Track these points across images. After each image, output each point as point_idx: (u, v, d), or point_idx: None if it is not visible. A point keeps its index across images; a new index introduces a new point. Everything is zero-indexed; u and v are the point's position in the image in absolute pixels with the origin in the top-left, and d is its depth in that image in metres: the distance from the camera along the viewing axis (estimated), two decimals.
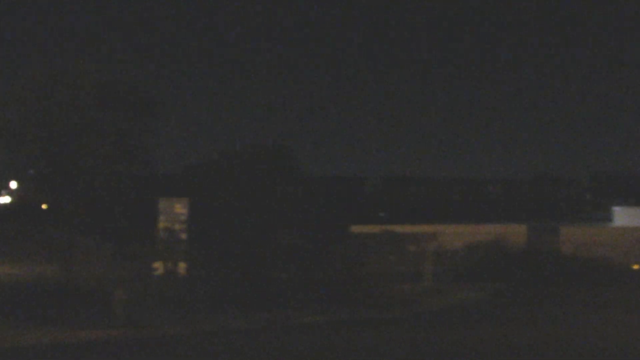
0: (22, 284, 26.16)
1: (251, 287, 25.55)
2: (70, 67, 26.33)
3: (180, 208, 29.12)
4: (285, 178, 28.22)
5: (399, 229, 39.90)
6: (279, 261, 26.62)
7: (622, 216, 53.68)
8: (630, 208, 58.97)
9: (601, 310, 26.36)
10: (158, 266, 28.49)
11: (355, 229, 36.58)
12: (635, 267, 37.60)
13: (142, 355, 17.79)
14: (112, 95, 26.34)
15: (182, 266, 28.22)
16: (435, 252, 36.05)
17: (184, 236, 29.23)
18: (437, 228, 41.38)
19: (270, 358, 17.80)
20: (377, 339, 20.34)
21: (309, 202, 28.26)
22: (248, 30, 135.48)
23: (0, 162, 28.01)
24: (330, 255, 27.85)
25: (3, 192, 70.09)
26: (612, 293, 30.98)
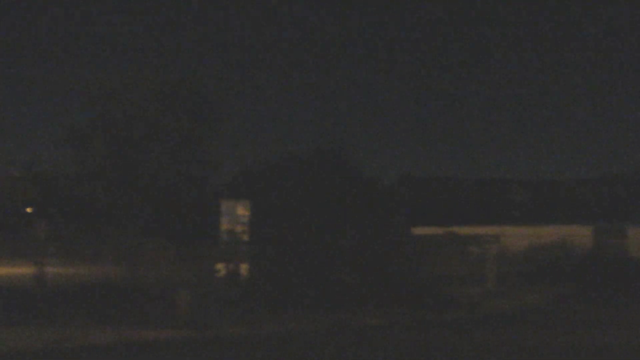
0: (89, 284, 26.72)
1: (313, 289, 25.63)
2: (135, 72, 26.88)
3: (242, 210, 29.40)
4: (346, 180, 28.22)
5: (460, 230, 39.56)
6: (341, 263, 26.64)
7: None
8: None
9: None
10: (220, 268, 28.82)
11: (417, 230, 36.39)
12: None
13: (205, 356, 18.00)
14: (176, 100, 26.77)
15: (244, 268, 28.49)
16: (498, 254, 35.62)
17: (245, 238, 29.50)
18: (500, 229, 40.91)
19: None
20: (442, 342, 20.18)
21: (370, 203, 28.20)
22: (307, 33, 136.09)
23: (67, 166, 28.69)
24: (391, 257, 27.74)
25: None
26: None
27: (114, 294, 25.03)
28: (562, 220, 56.05)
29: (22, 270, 33.34)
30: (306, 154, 29.15)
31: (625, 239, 39.42)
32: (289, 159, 29.04)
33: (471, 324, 23.85)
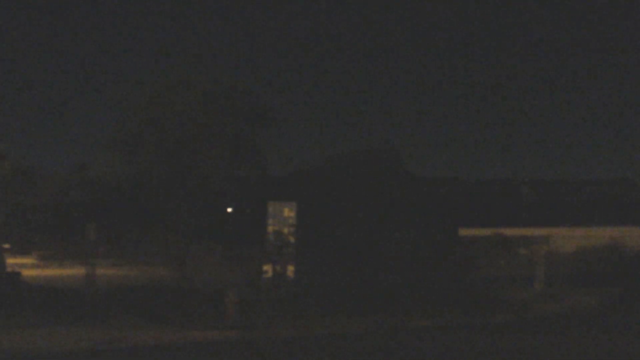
0: (139, 286, 27.05)
1: (360, 291, 25.58)
2: (185, 75, 27.12)
3: (288, 211, 29.49)
4: (394, 181, 28.11)
5: (509, 231, 39.14)
6: (388, 265, 26.55)
7: None
8: None
9: None
10: (267, 269, 28.94)
11: (465, 232, 36.09)
12: None
13: (253, 358, 18.07)
14: (225, 102, 26.94)
15: (290, 269, 28.56)
16: (547, 255, 35.15)
17: (292, 239, 29.56)
18: (549, 231, 40.37)
19: None
20: (491, 345, 19.97)
21: (417, 205, 28.05)
22: (354, 34, 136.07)
23: (118, 168, 29.06)
24: (439, 258, 27.56)
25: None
26: None
27: (163, 295, 25.31)
28: (612, 221, 55.01)
29: (72, 271, 33.93)
30: (353, 155, 29.11)
31: None
32: (336, 160, 29.03)
33: (520, 326, 23.55)
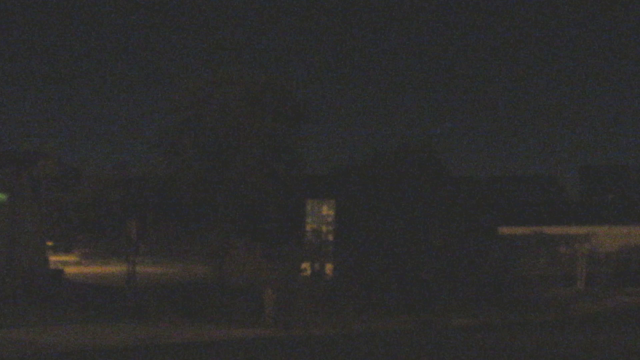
0: (179, 283, 27.29)
1: (398, 289, 25.51)
2: (223, 74, 27.27)
3: (327, 210, 29.51)
4: (432, 179, 27.96)
5: (549, 230, 38.65)
6: (426, 263, 26.43)
7: None
8: None
9: None
10: (306, 267, 28.99)
11: (505, 230, 35.74)
12: None
13: (291, 355, 18.14)
14: (263, 100, 27.05)
15: (329, 267, 28.58)
16: (589, 254, 34.68)
17: (330, 237, 29.57)
18: (590, 229, 39.76)
19: None
20: (530, 343, 19.78)
21: (456, 203, 27.87)
22: (390, 32, 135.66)
23: (158, 168, 29.33)
24: (478, 257, 27.36)
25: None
26: None
27: (203, 292, 25.51)
28: None
29: (114, 269, 34.37)
30: (391, 153, 29.00)
31: None
32: (375, 158, 28.96)
33: (560, 325, 23.30)
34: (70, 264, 36.89)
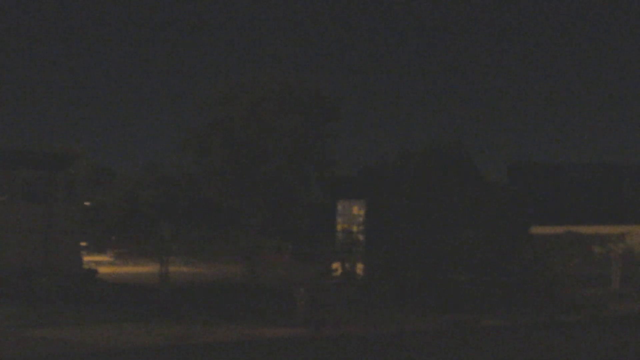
0: (210, 283, 27.52)
1: (429, 289, 25.44)
2: (252, 76, 27.48)
3: (357, 209, 29.53)
4: (463, 179, 27.85)
5: (583, 229, 38.26)
6: (457, 263, 26.32)
7: None
8: None
9: None
10: (337, 267, 29.04)
11: (536, 229, 35.46)
12: None
13: (323, 355, 18.16)
14: (293, 101, 27.19)
15: (359, 267, 28.60)
16: (624, 254, 34.27)
17: (361, 237, 29.60)
18: (626, 229, 39.28)
19: None
20: (563, 344, 19.60)
21: (487, 202, 27.72)
22: (419, 32, 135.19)
23: (188, 168, 29.61)
24: (510, 257, 27.18)
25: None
26: None
27: (234, 292, 25.67)
28: None
29: (146, 269, 34.73)
30: (421, 152, 28.96)
31: None
32: (405, 158, 28.94)
33: (595, 326, 23.04)
34: (103, 264, 37.34)
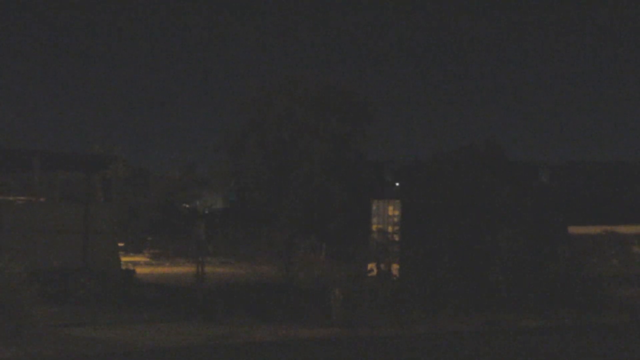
0: (246, 283, 27.56)
1: (466, 289, 25.25)
2: (286, 76, 27.53)
3: (392, 210, 29.43)
4: (499, 177, 27.61)
5: (622, 229, 37.68)
6: (494, 263, 26.10)
7: None
8: None
9: None
10: (372, 267, 28.94)
11: (575, 229, 34.98)
12: None
13: (359, 355, 18.14)
14: (328, 102, 27.19)
15: (395, 267, 28.47)
16: None
17: (396, 238, 29.48)
18: None
19: None
20: (603, 346, 19.33)
21: (525, 202, 27.44)
22: (454, 32, 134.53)
23: (224, 169, 29.77)
24: (547, 257, 26.87)
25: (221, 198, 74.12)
26: None
27: (270, 292, 25.70)
28: None
29: (183, 269, 34.95)
30: (458, 152, 28.77)
31: None
32: (440, 157, 28.78)
33: (635, 327, 22.69)
34: (140, 265, 37.66)
